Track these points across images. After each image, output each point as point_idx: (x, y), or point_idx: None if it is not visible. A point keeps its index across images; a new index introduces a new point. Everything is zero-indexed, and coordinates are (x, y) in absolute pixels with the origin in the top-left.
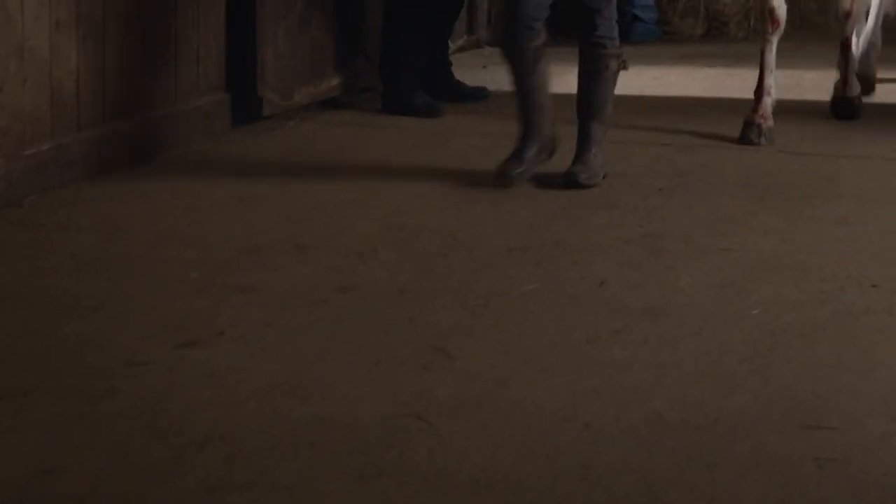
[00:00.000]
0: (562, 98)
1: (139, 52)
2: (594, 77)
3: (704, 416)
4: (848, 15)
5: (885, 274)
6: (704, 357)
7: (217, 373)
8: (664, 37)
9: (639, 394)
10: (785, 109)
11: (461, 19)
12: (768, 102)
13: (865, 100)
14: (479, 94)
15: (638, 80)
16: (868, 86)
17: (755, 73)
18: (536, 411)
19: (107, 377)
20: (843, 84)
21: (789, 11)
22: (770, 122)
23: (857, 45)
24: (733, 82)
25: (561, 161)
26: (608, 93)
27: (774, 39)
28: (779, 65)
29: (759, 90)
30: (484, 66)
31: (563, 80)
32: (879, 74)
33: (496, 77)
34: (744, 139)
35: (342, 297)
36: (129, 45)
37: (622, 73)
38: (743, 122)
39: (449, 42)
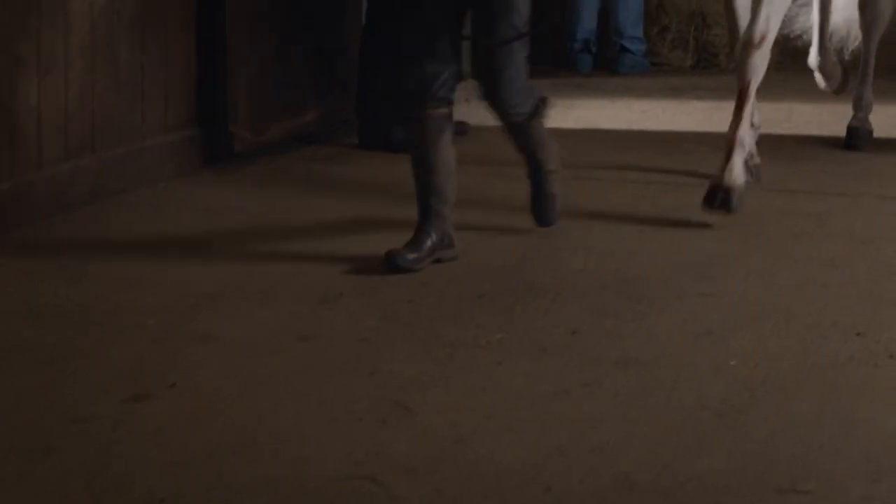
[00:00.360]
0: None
1: (103, 87)
2: (522, 137)
3: (674, 478)
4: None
5: (871, 320)
6: (677, 413)
7: (165, 429)
8: (653, 69)
9: (606, 453)
10: (774, 144)
11: None
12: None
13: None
14: (458, 130)
15: (625, 114)
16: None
17: None
18: (497, 472)
19: (48, 434)
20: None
21: (779, 42)
22: (756, 159)
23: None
24: (722, 116)
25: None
26: (542, 136)
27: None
28: (769, 97)
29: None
30: (466, 100)
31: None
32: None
33: (479, 111)
34: (709, 202)
35: (302, 346)
36: (93, 81)
37: (597, 109)
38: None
39: None
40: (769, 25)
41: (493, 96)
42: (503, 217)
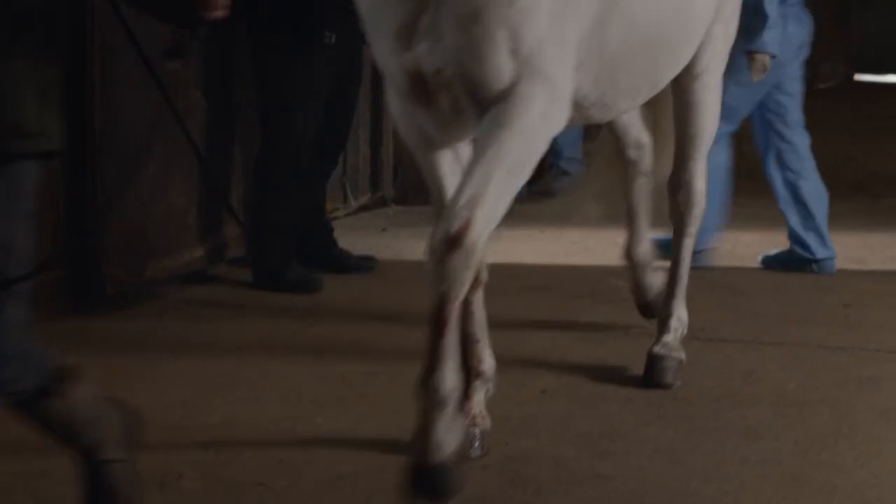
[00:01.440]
0: None
1: None
2: (43, 421)
3: None
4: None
5: None
6: None
7: None
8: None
9: None
10: (711, 280)
11: (365, 175)
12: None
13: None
14: (364, 265)
15: (553, 246)
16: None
17: None
18: None
19: None
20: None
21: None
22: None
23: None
24: None
25: None
26: (83, 414)
27: (477, 297)
28: None
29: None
30: (384, 229)
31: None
32: None
33: (396, 242)
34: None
35: None
36: None
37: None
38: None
39: (324, 205)
40: (476, 211)
41: None
42: (388, 374)
